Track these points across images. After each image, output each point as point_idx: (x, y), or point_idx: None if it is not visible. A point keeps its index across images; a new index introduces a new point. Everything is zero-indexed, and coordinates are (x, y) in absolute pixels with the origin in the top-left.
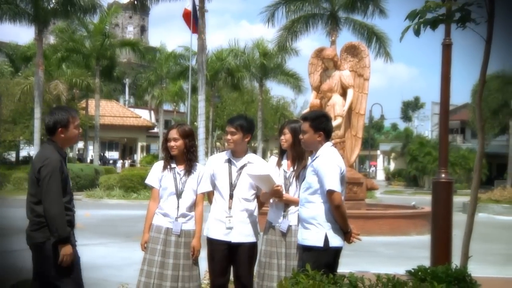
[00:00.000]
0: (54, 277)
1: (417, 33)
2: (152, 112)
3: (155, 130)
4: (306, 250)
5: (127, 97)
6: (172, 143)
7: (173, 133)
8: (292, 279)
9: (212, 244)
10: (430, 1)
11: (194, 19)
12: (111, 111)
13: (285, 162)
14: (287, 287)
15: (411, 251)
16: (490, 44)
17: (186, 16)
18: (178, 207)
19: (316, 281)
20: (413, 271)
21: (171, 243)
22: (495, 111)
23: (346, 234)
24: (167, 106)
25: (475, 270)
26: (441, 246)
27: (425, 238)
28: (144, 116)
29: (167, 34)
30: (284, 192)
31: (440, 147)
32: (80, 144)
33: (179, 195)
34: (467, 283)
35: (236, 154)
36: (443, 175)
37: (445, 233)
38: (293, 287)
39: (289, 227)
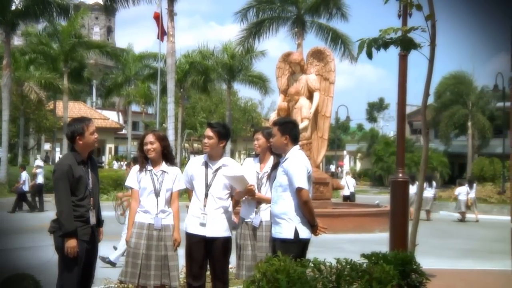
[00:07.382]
0: (59, 265)
1: (369, 56)
2: (120, 113)
3: (123, 131)
4: (278, 243)
5: (94, 98)
6: (149, 146)
7: (150, 137)
8: (266, 262)
9: (190, 238)
10: (383, 29)
11: (163, 28)
12: (78, 112)
13: (257, 165)
14: (262, 268)
15: (374, 247)
16: (433, 63)
17: (156, 19)
18: (157, 204)
19: (287, 263)
20: (367, 255)
21: (153, 237)
22: (452, 111)
23: (313, 227)
24: (135, 108)
25: (433, 263)
26: (398, 240)
27: (388, 235)
28: (112, 117)
29: (135, 34)
30: (256, 191)
31: (398, 149)
32: (47, 146)
33: (157, 193)
34: (411, 265)
35: (212, 157)
36: (400, 175)
37: (402, 228)
38: (268, 268)
39: (261, 222)
